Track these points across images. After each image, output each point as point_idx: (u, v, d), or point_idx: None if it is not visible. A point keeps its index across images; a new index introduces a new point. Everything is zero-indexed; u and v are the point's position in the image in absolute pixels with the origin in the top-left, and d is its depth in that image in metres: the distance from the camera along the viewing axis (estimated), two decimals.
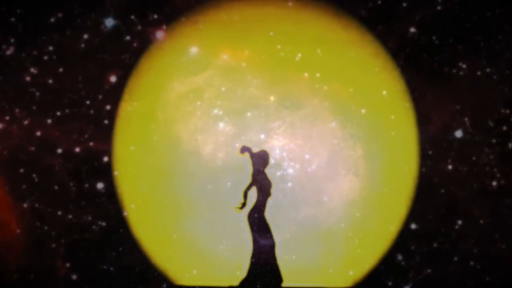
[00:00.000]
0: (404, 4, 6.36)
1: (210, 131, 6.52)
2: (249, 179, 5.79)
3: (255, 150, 5.88)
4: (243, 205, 5.62)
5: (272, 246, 5.60)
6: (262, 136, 6.52)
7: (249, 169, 6.01)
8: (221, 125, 6.55)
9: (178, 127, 6.53)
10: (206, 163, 6.50)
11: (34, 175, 6.39)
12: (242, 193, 5.70)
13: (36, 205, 6.36)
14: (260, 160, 5.79)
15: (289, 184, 6.53)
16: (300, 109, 6.55)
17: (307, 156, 6.55)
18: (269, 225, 5.67)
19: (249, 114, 6.54)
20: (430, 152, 6.49)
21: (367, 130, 6.56)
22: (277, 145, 6.46)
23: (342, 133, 6.55)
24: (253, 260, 5.57)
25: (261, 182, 5.71)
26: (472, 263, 6.35)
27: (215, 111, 6.55)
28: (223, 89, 6.52)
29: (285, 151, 6.51)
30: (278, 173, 6.48)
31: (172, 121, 6.52)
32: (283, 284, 5.62)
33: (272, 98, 6.55)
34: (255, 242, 5.58)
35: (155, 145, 6.53)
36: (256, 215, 5.65)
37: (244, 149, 5.78)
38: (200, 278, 6.36)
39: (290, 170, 6.54)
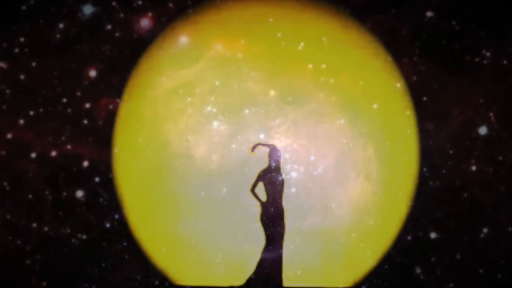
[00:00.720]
0: None
1: (203, 131, 6.23)
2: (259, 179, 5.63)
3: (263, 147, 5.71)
4: (259, 200, 5.48)
5: (275, 260, 5.41)
6: (262, 135, 6.20)
7: (246, 172, 6.07)
8: (215, 124, 6.24)
9: (167, 127, 6.21)
10: (198, 167, 6.18)
11: (5, 183, 6.07)
12: (250, 193, 5.55)
13: (8, 217, 6.05)
14: (269, 157, 5.62)
15: (293, 189, 6.17)
16: (304, 105, 6.24)
17: (312, 158, 6.22)
18: (277, 232, 5.48)
19: (246, 111, 6.23)
20: (451, 152, 6.11)
21: (379, 127, 6.24)
22: (279, 146, 5.97)
23: (351, 132, 6.23)
24: (253, 275, 5.44)
25: (265, 180, 5.53)
26: (500, 276, 5.94)
27: (208, 108, 6.25)
28: (216, 83, 6.22)
29: (288, 153, 6.18)
30: (280, 178, 5.83)
31: (160, 120, 6.21)
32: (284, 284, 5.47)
33: (272, 92, 6.25)
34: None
35: (141, 147, 6.22)
36: (262, 220, 5.51)
37: (256, 147, 5.66)
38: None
39: (294, 174, 6.20)
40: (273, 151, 5.55)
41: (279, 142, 6.12)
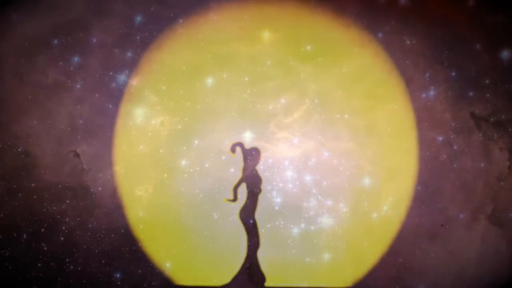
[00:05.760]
0: None
1: (131, 133, 4.10)
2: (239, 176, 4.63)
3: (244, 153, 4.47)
4: (234, 199, 4.70)
5: (254, 249, 4.82)
6: (248, 134, 4.07)
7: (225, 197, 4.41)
8: (153, 119, 4.18)
9: (58, 117, 3.92)
10: (112, 218, 4.00)
11: None
12: (232, 189, 4.59)
13: None
14: (249, 156, 4.48)
15: (326, 255, 3.94)
16: (340, 62, 4.12)
17: (367, 181, 3.96)
18: (256, 225, 4.79)
19: (209, 81, 4.11)
20: None
21: None
22: (287, 158, 4.07)
23: (454, 120, 3.99)
24: (238, 274, 4.73)
25: (249, 179, 4.70)
26: None
27: (134, 83, 4.09)
28: (154, 33, 4.19)
29: (309, 172, 4.00)
30: (295, 230, 3.96)
31: (47, 111, 3.90)
32: (272, 284, 4.61)
33: (266, 34, 4.15)
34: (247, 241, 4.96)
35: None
36: (242, 215, 4.69)
37: (234, 146, 4.56)
38: None
39: (326, 220, 3.98)
40: (253, 150, 4.53)
41: (291, 148, 4.03)
